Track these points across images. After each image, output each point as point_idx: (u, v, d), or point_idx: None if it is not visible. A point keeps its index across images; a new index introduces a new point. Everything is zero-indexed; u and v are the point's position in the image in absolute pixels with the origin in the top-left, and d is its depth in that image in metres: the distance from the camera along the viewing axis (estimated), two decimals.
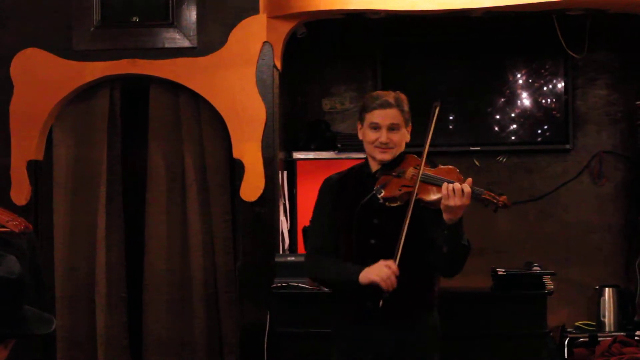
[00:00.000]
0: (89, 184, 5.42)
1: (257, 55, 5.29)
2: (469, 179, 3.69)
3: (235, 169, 5.33)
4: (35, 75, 5.38)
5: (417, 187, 3.71)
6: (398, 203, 3.74)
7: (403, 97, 3.92)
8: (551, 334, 5.35)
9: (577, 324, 5.93)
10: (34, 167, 5.42)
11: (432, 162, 3.86)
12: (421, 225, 3.78)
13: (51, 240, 5.41)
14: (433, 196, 3.71)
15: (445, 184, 3.63)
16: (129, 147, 5.61)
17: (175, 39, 5.35)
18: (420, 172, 3.74)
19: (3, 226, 4.13)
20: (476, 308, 5.07)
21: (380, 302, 3.68)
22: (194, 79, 5.32)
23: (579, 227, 6.25)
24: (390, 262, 3.69)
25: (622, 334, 5.54)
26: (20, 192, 5.37)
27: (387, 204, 3.76)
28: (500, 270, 5.17)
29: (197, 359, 5.37)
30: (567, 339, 5.66)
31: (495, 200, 3.72)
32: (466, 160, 6.30)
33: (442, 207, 3.64)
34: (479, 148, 6.26)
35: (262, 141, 5.28)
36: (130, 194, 5.59)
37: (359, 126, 3.97)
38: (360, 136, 3.97)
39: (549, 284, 5.12)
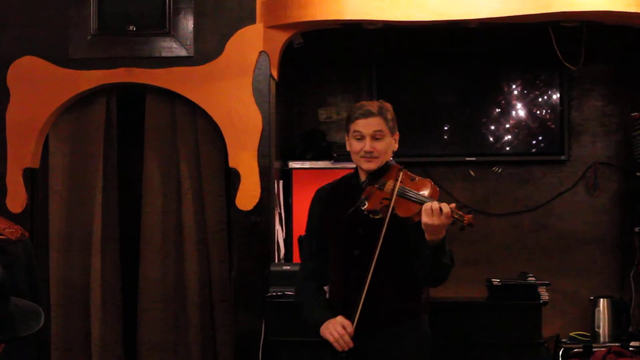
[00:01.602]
0: (84, 191, 5.42)
1: (254, 64, 5.30)
2: (452, 204, 3.67)
3: (231, 178, 5.33)
4: (31, 83, 5.38)
5: (393, 200, 3.70)
6: (380, 215, 3.73)
7: (387, 105, 3.91)
8: (546, 344, 5.35)
9: (571, 334, 5.94)
10: (29, 175, 5.41)
11: (411, 176, 3.83)
12: (404, 236, 3.76)
13: (47, 248, 5.41)
14: (409, 212, 3.70)
15: (424, 206, 3.63)
16: (125, 155, 5.62)
17: (172, 48, 5.36)
18: (397, 186, 3.72)
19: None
20: (471, 318, 5.08)
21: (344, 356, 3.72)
22: (190, 88, 5.32)
23: (574, 238, 6.27)
24: (346, 323, 3.71)
25: (616, 344, 5.54)
26: (16, 199, 5.37)
27: (370, 215, 3.76)
28: (495, 281, 5.18)
29: None
30: (562, 349, 5.67)
31: (460, 219, 3.66)
32: (461, 170, 6.31)
33: (423, 225, 3.63)
34: (474, 158, 6.28)
35: (258, 150, 5.29)
36: (126, 202, 5.59)
37: (346, 137, 3.97)
38: (347, 147, 3.97)
39: (544, 294, 5.13)
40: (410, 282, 3.89)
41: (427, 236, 3.63)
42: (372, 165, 3.84)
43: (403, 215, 3.71)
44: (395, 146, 3.91)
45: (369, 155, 3.83)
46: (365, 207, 3.76)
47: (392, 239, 3.73)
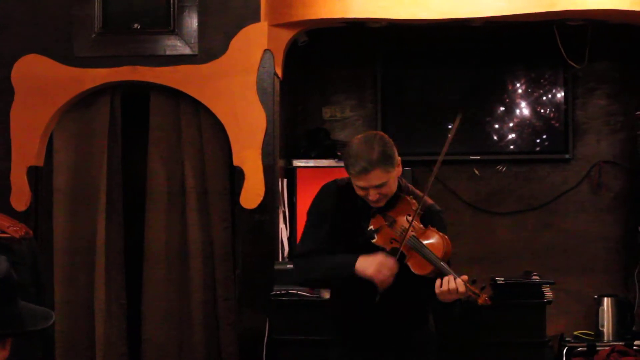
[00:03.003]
0: (89, 190, 5.42)
1: (258, 63, 5.29)
2: (464, 276, 3.58)
3: (235, 177, 5.33)
4: (36, 82, 5.38)
5: (402, 246, 3.63)
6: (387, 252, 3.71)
7: (385, 144, 3.68)
8: (550, 343, 5.35)
9: (575, 333, 5.92)
10: (34, 173, 5.42)
11: (422, 209, 3.72)
12: (411, 280, 3.69)
13: (51, 246, 5.41)
14: (422, 270, 3.62)
15: (438, 282, 3.55)
16: (129, 153, 5.62)
17: (176, 46, 5.36)
18: (408, 235, 3.63)
19: (3, 232, 4.13)
20: (475, 316, 5.07)
21: (377, 299, 3.64)
22: (194, 87, 5.32)
23: (578, 237, 6.26)
24: (391, 263, 3.64)
25: (620, 343, 5.53)
26: (21, 198, 5.38)
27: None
28: (500, 279, 5.18)
29: None
30: (566, 348, 5.66)
31: (475, 297, 3.57)
32: (466, 169, 6.31)
33: (435, 290, 3.57)
34: (478, 157, 6.27)
35: (263, 149, 5.29)
36: (130, 200, 5.59)
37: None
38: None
39: (548, 293, 5.13)
40: (419, 300, 3.87)
41: (439, 297, 3.60)
42: (380, 204, 3.74)
43: (416, 271, 3.62)
44: (400, 171, 3.72)
45: (375, 203, 3.72)
46: (374, 240, 3.72)
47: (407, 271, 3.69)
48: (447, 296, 3.56)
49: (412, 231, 3.65)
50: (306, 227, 3.98)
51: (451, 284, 3.53)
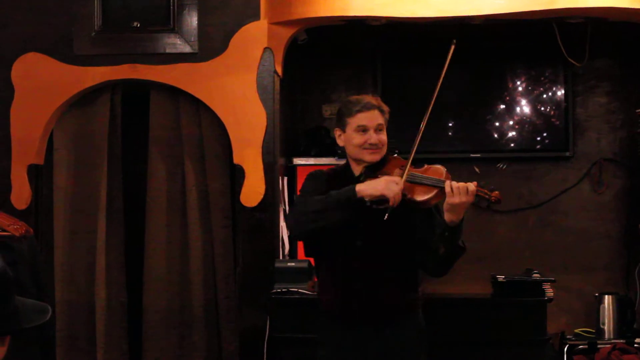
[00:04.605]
0: (89, 188, 5.42)
1: (258, 61, 5.29)
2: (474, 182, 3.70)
3: (236, 175, 5.33)
4: (36, 80, 5.38)
5: (402, 183, 3.70)
6: (386, 205, 3.72)
7: (380, 99, 3.99)
8: (551, 340, 5.35)
9: (576, 331, 5.92)
10: (34, 171, 5.42)
11: (417, 163, 3.86)
12: (411, 227, 3.78)
13: (51, 245, 5.41)
14: (426, 195, 3.71)
15: (448, 182, 3.64)
16: (130, 152, 5.62)
17: (176, 44, 5.36)
18: (407, 171, 3.74)
19: (4, 230, 4.12)
20: (476, 314, 5.08)
21: (386, 216, 3.66)
22: (194, 85, 5.33)
23: (579, 235, 6.25)
24: (397, 179, 3.71)
25: (621, 341, 5.54)
26: (21, 196, 5.38)
27: (374, 206, 3.75)
28: (500, 277, 5.18)
29: None
30: (567, 346, 5.66)
31: (487, 197, 3.71)
32: (466, 167, 6.30)
33: (445, 207, 3.64)
34: (478, 155, 6.26)
35: (263, 147, 5.29)
36: (131, 198, 5.59)
37: (338, 133, 3.95)
38: (340, 143, 3.95)
39: (549, 290, 5.13)
40: (411, 274, 3.92)
41: (447, 217, 3.65)
42: (376, 157, 3.85)
43: (420, 199, 3.71)
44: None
45: (375, 147, 3.84)
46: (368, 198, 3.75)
47: (398, 229, 3.73)
48: (458, 199, 3.61)
49: (409, 170, 3.76)
50: (303, 192, 3.99)
51: (460, 184, 3.63)
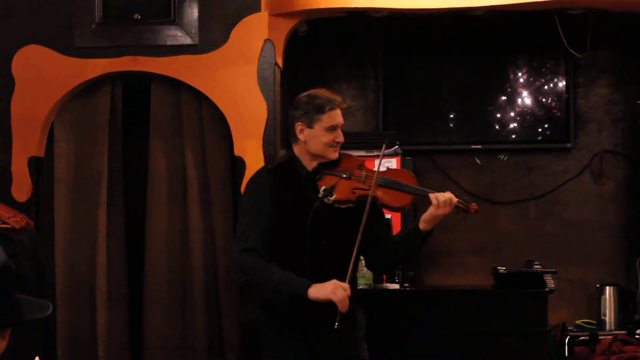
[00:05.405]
0: (90, 180, 5.41)
1: (259, 52, 5.29)
2: (448, 192, 3.82)
3: (237, 166, 5.33)
4: (36, 72, 5.37)
5: (372, 189, 3.74)
6: (349, 205, 3.75)
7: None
8: (552, 332, 5.36)
9: (577, 322, 5.94)
10: (35, 164, 5.41)
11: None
12: (368, 225, 3.79)
13: (52, 237, 5.41)
14: (401, 202, 3.78)
15: (433, 195, 3.71)
16: (130, 144, 5.61)
17: (177, 36, 5.35)
18: (376, 176, 3.77)
19: (4, 222, 4.12)
20: (477, 306, 5.09)
21: (336, 324, 3.65)
22: (195, 77, 5.32)
23: (580, 226, 6.26)
24: (345, 285, 3.69)
25: (622, 332, 5.55)
26: (21, 188, 5.37)
27: (336, 205, 3.76)
28: (501, 269, 5.19)
29: (197, 357, 5.37)
30: (568, 337, 5.67)
31: (465, 208, 3.81)
32: (467, 158, 6.31)
33: (427, 217, 3.71)
34: (479, 146, 6.27)
35: (264, 139, 5.28)
36: (131, 190, 5.59)
37: (300, 127, 3.93)
38: (302, 137, 3.94)
39: (550, 282, 5.14)
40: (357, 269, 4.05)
41: (424, 226, 3.72)
42: (337, 155, 3.91)
43: (395, 205, 3.77)
44: None
45: (338, 145, 3.89)
46: (333, 197, 3.76)
47: (356, 227, 3.74)
48: (442, 210, 3.71)
49: (379, 173, 3.81)
50: (245, 219, 3.99)
51: (445, 195, 3.74)
